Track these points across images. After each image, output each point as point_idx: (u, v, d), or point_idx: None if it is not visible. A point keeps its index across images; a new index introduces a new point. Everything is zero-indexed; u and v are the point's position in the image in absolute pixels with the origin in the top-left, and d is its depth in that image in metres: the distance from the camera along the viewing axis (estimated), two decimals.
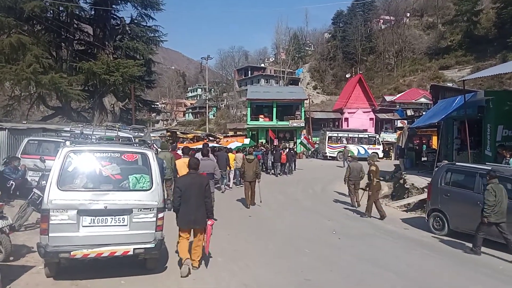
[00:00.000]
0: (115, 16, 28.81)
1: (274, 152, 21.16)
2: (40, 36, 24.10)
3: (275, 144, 30.52)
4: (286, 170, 21.25)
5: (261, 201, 12.24)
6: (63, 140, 8.96)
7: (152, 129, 30.81)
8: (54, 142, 11.11)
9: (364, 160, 14.05)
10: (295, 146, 36.01)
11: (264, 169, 21.18)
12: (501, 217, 7.32)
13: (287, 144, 31.07)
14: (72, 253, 4.85)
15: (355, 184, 12.72)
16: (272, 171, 21.09)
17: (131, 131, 16.20)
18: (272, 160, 20.88)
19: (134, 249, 5.10)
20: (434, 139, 24.49)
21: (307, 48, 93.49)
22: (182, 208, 5.61)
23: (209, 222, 5.84)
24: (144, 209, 5.24)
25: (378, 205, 11.19)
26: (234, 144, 19.98)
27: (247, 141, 24.25)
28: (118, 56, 27.77)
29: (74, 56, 26.54)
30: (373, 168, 11.06)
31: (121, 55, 27.94)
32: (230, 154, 15.69)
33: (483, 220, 7.38)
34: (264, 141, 35.48)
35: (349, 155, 15.15)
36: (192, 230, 5.81)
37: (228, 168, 15.04)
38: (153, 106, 37.73)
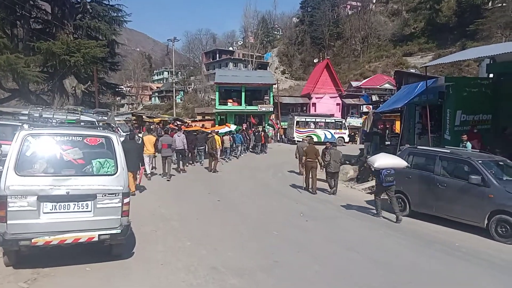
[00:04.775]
0: None
1: (256, 134, 25.78)
2: None
3: (244, 128, 30.86)
4: (264, 149, 25.80)
5: (217, 171, 15.62)
6: (21, 124, 8.53)
7: (117, 113, 29.85)
8: (11, 125, 10.48)
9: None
10: (265, 129, 36.24)
11: (246, 149, 25.04)
12: (335, 169, 12.14)
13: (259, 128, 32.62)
14: (33, 240, 4.67)
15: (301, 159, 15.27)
16: (254, 149, 25.20)
17: (94, 114, 15.64)
18: (254, 141, 25.15)
19: (99, 235, 4.98)
20: (397, 123, 25.32)
21: (275, 32, 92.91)
22: (128, 160, 7.81)
23: (141, 169, 10.97)
24: (109, 194, 5.09)
25: (312, 180, 12.50)
26: (224, 129, 23.69)
27: (233, 127, 27.84)
28: (78, 36, 26.42)
29: (31, 36, 24.93)
30: (305, 147, 13.01)
31: (82, 35, 26.60)
32: (216, 136, 17.44)
33: (325, 170, 12.21)
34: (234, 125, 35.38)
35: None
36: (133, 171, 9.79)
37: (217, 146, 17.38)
38: (117, 89, 36.48)
